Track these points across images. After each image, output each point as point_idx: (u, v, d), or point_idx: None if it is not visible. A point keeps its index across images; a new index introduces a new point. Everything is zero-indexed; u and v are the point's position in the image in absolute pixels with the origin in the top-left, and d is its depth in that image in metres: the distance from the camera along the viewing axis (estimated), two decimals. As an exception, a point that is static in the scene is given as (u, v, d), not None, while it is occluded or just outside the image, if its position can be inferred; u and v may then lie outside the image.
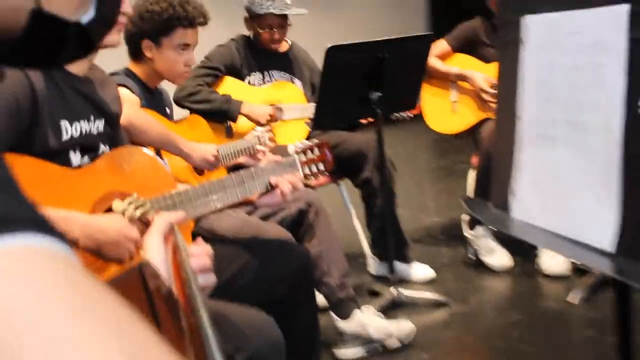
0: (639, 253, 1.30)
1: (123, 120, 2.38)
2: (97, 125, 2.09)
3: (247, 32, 4.19)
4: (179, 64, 3.03)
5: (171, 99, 3.47)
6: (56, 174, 1.90)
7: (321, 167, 2.53)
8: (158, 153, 2.82)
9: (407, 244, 4.16)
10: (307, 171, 2.48)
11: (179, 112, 3.59)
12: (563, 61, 1.51)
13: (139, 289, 1.17)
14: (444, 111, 4.59)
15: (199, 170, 3.11)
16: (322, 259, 3.28)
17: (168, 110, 3.19)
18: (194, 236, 2.52)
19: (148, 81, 3.08)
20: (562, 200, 1.49)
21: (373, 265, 4.20)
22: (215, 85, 3.97)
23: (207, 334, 0.87)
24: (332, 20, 9.53)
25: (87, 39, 0.76)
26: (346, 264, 3.39)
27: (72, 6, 0.72)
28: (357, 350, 3.30)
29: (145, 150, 2.18)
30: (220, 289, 2.29)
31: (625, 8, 1.34)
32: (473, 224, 4.20)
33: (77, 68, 2.04)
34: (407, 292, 3.69)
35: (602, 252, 1.36)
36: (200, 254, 1.48)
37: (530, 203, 1.60)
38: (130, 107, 2.66)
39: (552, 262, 3.92)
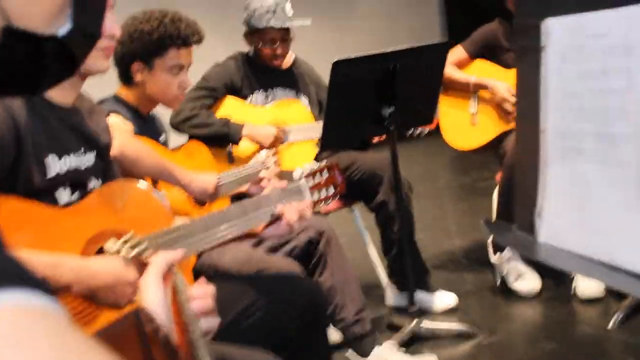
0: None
1: (114, 150, 2.37)
2: (87, 159, 2.09)
3: (246, 49, 4.20)
4: (172, 86, 3.02)
5: (166, 124, 3.46)
6: (43, 214, 1.89)
7: (331, 191, 2.52)
8: (155, 184, 2.82)
9: (427, 271, 4.15)
10: (316, 197, 2.47)
11: (176, 139, 3.60)
12: (589, 67, 1.50)
13: (135, 336, 1.17)
14: (463, 124, 4.58)
15: (200, 201, 3.10)
16: (335, 293, 3.27)
17: (163, 137, 3.19)
18: (195, 273, 2.52)
19: (140, 107, 3.07)
20: (593, 219, 1.48)
21: (391, 295, 4.18)
22: (215, 106, 3.97)
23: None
24: (338, 30, 9.55)
25: (69, 55, 0.76)
26: (362, 296, 3.38)
27: (45, 19, 0.71)
28: (379, 390, 3.28)
29: (138, 184, 2.18)
30: (225, 330, 2.28)
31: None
32: (498, 246, 4.18)
33: (63, 98, 2.04)
34: (429, 324, 3.67)
35: (637, 275, 1.34)
36: (202, 295, 1.47)
37: (558, 224, 1.59)
38: (122, 136, 2.65)
39: (588, 284, 3.88)
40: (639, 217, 1.36)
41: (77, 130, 2.08)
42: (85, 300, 1.84)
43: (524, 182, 1.71)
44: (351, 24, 9.87)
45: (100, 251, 1.94)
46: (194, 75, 3.18)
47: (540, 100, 1.60)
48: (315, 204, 2.45)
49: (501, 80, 4.41)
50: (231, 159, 3.87)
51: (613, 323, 3.56)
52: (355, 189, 3.88)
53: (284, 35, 4.07)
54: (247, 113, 3.98)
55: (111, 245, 1.87)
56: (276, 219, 2.34)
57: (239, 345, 2.14)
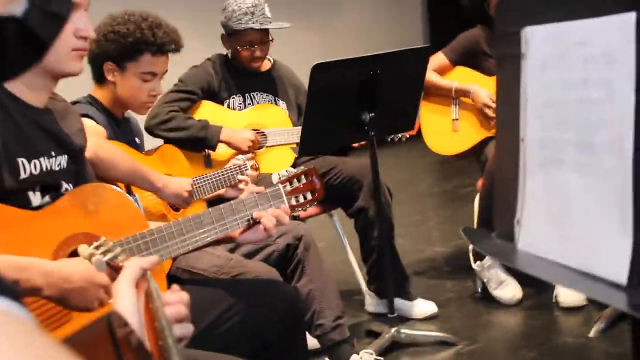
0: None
1: (88, 153, 2.36)
2: (59, 161, 2.08)
3: (224, 51, 4.19)
4: (142, 92, 3.01)
5: (142, 127, 3.45)
6: (13, 217, 1.88)
7: (309, 196, 2.52)
8: (128, 187, 2.81)
9: (407, 279, 4.15)
10: (293, 202, 2.47)
11: (152, 142, 3.58)
12: (570, 76, 1.50)
13: (107, 341, 1.17)
14: (444, 130, 4.59)
15: (174, 207, 3.10)
16: (313, 299, 3.27)
17: (138, 140, 3.17)
18: (170, 277, 2.52)
19: (113, 108, 3.06)
20: (573, 229, 1.49)
21: (370, 302, 4.18)
22: (192, 110, 3.96)
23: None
24: (319, 34, 9.56)
25: (34, 38, 0.75)
26: (340, 302, 3.38)
27: None
28: (356, 399, 3.28)
29: (113, 186, 2.17)
30: (200, 336, 2.28)
31: (633, 16, 1.34)
32: (480, 254, 4.20)
33: (35, 99, 2.03)
34: (408, 331, 3.67)
35: (617, 286, 1.35)
36: (175, 301, 1.47)
37: (537, 233, 1.59)
38: (96, 139, 2.65)
39: (569, 292, 3.90)
40: (618, 227, 1.37)
41: (49, 132, 2.07)
42: (56, 304, 1.84)
43: (503, 190, 1.72)
44: (333, 28, 9.89)
45: (72, 255, 1.93)
46: (170, 78, 3.17)
47: (520, 109, 1.61)
48: (292, 209, 2.45)
49: (483, 87, 4.43)
50: (208, 163, 3.87)
51: (594, 332, 3.58)
52: (334, 195, 3.88)
53: (263, 38, 4.06)
54: (224, 117, 3.98)
55: (83, 250, 1.86)
56: (253, 224, 2.34)
57: (215, 350, 2.14)
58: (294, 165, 3.56)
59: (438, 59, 4.57)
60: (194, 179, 3.08)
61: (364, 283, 4.24)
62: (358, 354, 3.34)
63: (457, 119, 4.55)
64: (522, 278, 4.10)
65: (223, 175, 3.21)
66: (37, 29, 0.75)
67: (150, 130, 3.78)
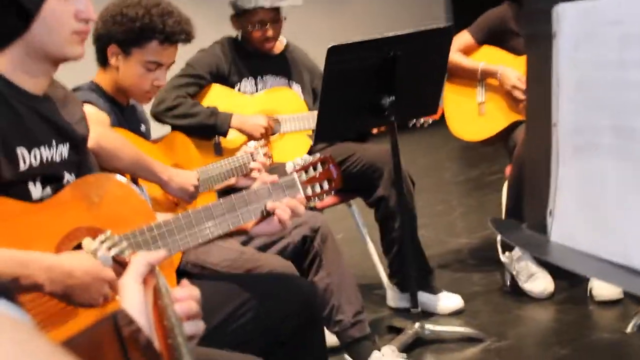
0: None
1: (91, 143, 2.36)
2: (61, 151, 2.07)
3: (234, 34, 4.18)
4: (145, 81, 2.99)
5: (148, 114, 3.45)
6: (13, 210, 1.88)
7: (326, 186, 2.51)
8: (134, 178, 2.81)
9: (431, 272, 4.14)
10: (309, 192, 2.45)
11: (159, 128, 3.58)
12: (604, 56, 1.49)
13: (113, 341, 1.16)
14: (469, 114, 4.57)
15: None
16: (331, 293, 3.26)
17: (144, 128, 3.17)
18: (180, 271, 2.52)
19: (117, 95, 3.05)
20: (609, 219, 1.47)
21: (392, 297, 4.18)
22: (201, 95, 3.95)
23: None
24: (334, 13, 9.52)
25: (18, 5, 0.75)
26: (360, 297, 3.37)
27: None
28: (377, 399, 3.28)
29: (117, 177, 2.17)
30: (212, 333, 2.28)
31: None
32: (508, 245, 4.18)
33: (34, 86, 2.02)
34: (432, 327, 3.66)
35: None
36: (185, 297, 1.47)
37: (571, 224, 1.58)
38: (99, 128, 2.64)
39: (604, 285, 3.87)
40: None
41: (49, 120, 2.06)
42: (60, 300, 1.84)
43: (534, 178, 1.70)
44: (350, 7, 9.83)
45: (76, 249, 1.93)
46: (177, 62, 3.15)
47: (552, 92, 1.59)
48: (308, 199, 2.44)
49: (511, 68, 4.40)
50: (219, 151, 3.86)
51: (632, 327, 3.55)
52: (353, 183, 3.87)
53: (275, 16, 4.04)
54: (235, 102, 3.97)
55: (88, 245, 1.86)
56: (267, 215, 2.33)
57: (228, 348, 2.14)
58: (309, 153, 3.54)
59: (463, 38, 4.54)
60: (203, 168, 3.07)
61: (385, 276, 4.23)
62: (379, 350, 3.33)
63: (483, 102, 4.53)
64: (554, 270, 4.07)
65: (234, 163, 3.20)
66: None
67: (157, 117, 3.77)
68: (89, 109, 2.72)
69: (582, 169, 1.54)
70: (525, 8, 1.79)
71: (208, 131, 3.79)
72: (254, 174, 3.22)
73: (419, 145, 8.06)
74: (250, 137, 3.79)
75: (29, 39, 1.95)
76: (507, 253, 4.17)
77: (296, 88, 4.17)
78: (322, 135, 3.53)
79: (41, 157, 1.99)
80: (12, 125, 1.93)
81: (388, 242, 4.05)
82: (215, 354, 2.07)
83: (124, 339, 1.15)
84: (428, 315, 3.92)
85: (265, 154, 3.29)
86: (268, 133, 3.87)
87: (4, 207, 1.87)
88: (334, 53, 3.28)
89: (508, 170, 4.27)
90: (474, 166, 7.54)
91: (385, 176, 3.92)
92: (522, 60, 4.36)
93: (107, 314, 1.20)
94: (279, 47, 4.23)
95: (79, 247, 1.93)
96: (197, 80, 3.93)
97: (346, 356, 3.35)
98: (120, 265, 1.85)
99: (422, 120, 4.10)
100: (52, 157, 2.03)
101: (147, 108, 3.39)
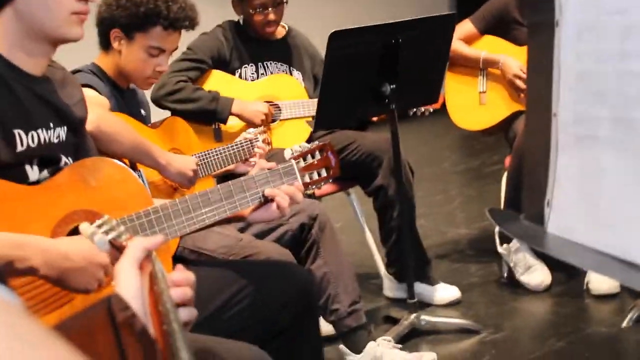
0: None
1: (90, 126, 2.36)
2: (58, 134, 2.07)
3: (236, 18, 4.17)
4: (147, 67, 3.00)
5: (148, 98, 3.44)
6: (10, 192, 1.88)
7: (324, 173, 2.51)
8: (132, 163, 2.80)
9: (429, 262, 4.15)
10: (307, 179, 2.45)
11: (158, 113, 3.58)
12: (607, 46, 1.48)
13: (107, 325, 1.17)
14: (471, 103, 4.57)
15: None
16: (328, 282, 3.27)
17: (143, 112, 3.17)
18: (177, 257, 2.52)
19: (118, 79, 3.05)
20: (607, 211, 1.47)
21: (389, 287, 4.18)
22: (201, 80, 3.95)
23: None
24: (338, 3, 9.49)
25: None
26: (357, 286, 3.38)
27: None
28: (372, 389, 3.28)
29: (115, 161, 2.16)
30: (208, 320, 2.29)
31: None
32: (506, 236, 4.18)
33: (32, 66, 2.01)
34: (429, 318, 3.67)
35: (655, 274, 1.34)
36: (182, 282, 1.47)
37: (569, 215, 1.58)
38: (98, 111, 2.64)
39: (602, 279, 3.87)
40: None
41: (47, 102, 2.06)
42: (54, 285, 1.84)
43: (533, 169, 1.70)
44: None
45: (72, 233, 1.93)
46: (179, 45, 3.14)
47: (553, 81, 1.59)
48: (306, 187, 2.44)
49: (512, 57, 4.39)
50: (218, 136, 3.86)
51: (628, 321, 3.56)
52: (352, 172, 3.88)
53: (276, -1, 4.03)
54: (236, 87, 3.96)
55: (85, 229, 1.86)
56: (264, 202, 2.33)
57: (223, 335, 2.14)
58: (309, 140, 3.54)
59: (465, 26, 4.53)
60: (201, 153, 3.07)
61: (383, 266, 4.23)
62: (375, 341, 3.34)
63: (484, 92, 4.52)
64: (552, 263, 4.08)
65: (233, 149, 3.20)
66: None
67: (157, 102, 3.77)
68: (89, 92, 2.72)
69: (581, 160, 1.54)
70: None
71: (209, 116, 3.79)
72: (253, 159, 3.22)
73: (419, 134, 8.06)
74: (250, 124, 3.79)
75: (28, 18, 1.95)
76: (505, 245, 4.17)
77: (297, 74, 4.17)
78: (322, 122, 3.53)
79: (39, 138, 1.99)
80: (10, 107, 1.92)
81: (386, 231, 4.05)
82: (210, 341, 2.06)
83: (118, 324, 1.16)
84: (424, 305, 3.93)
85: (264, 141, 3.30)
86: (268, 120, 3.87)
87: (0, 189, 1.87)
88: (336, 38, 3.27)
89: (507, 160, 4.27)
90: (474, 156, 7.53)
91: (384, 165, 3.92)
92: (524, 50, 4.35)
93: (102, 299, 1.20)
94: (280, 32, 4.22)
95: (75, 230, 1.93)
96: (199, 64, 3.92)
97: (341, 346, 3.35)
98: (117, 249, 1.85)
99: (422, 108, 4.10)
100: (49, 139, 2.03)
101: (147, 92, 3.38)
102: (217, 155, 3.14)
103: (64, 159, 2.08)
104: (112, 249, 1.82)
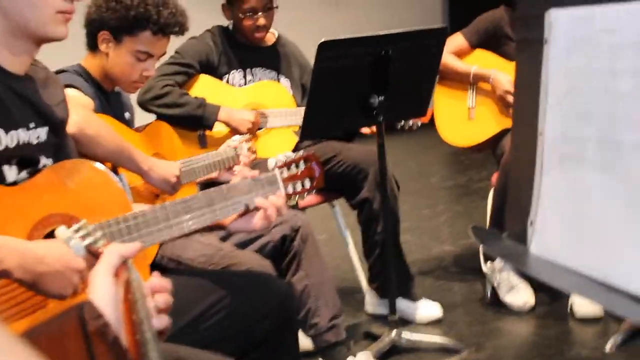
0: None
1: (72, 128, 2.35)
2: (38, 134, 2.06)
3: (225, 23, 4.17)
4: (134, 70, 3.00)
5: (133, 101, 3.43)
6: (-14, 192, 1.88)
7: (308, 184, 2.50)
8: (114, 167, 2.79)
9: (412, 278, 4.15)
10: (290, 190, 2.45)
11: (143, 117, 3.57)
12: (595, 65, 1.49)
13: (77, 333, 1.16)
14: (459, 118, 4.57)
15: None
16: (309, 295, 3.26)
17: (128, 115, 3.16)
18: (156, 266, 2.51)
19: (103, 81, 3.05)
20: (591, 234, 1.48)
21: (371, 302, 4.18)
22: (188, 85, 3.95)
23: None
24: (328, 9, 9.51)
25: None
26: (338, 301, 3.37)
27: None
28: (350, 406, 3.28)
29: (95, 164, 2.15)
30: (184, 330, 2.28)
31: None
32: (490, 255, 4.18)
33: (14, 65, 2.01)
34: (410, 335, 3.66)
35: (636, 298, 1.34)
36: (158, 288, 1.46)
37: (552, 236, 1.58)
38: (82, 112, 2.63)
39: (586, 302, 3.88)
40: (640, 233, 1.36)
41: (28, 101, 2.05)
42: (27, 289, 1.83)
43: (517, 188, 1.70)
44: (345, 3, 9.82)
45: (49, 237, 1.92)
46: (169, 49, 3.14)
47: (540, 99, 1.59)
48: (288, 197, 2.43)
49: (504, 72, 4.40)
50: (203, 143, 3.85)
51: (611, 346, 3.56)
52: (337, 183, 3.87)
53: (267, 4, 4.03)
54: (223, 93, 3.96)
55: (61, 233, 1.85)
56: (247, 211, 2.33)
57: (200, 346, 2.13)
58: (295, 150, 3.54)
59: (456, 40, 4.54)
60: (185, 160, 3.07)
61: (365, 281, 4.23)
62: (354, 356, 3.33)
63: (473, 107, 4.53)
64: (536, 283, 4.08)
65: (217, 157, 3.19)
66: None
67: (143, 105, 3.76)
68: (73, 93, 2.71)
69: (566, 181, 1.54)
70: (517, 13, 1.79)
71: (194, 122, 3.78)
72: (237, 167, 3.22)
73: (407, 148, 8.06)
74: (236, 132, 3.78)
75: (13, 15, 1.94)
76: (489, 263, 4.18)
77: (285, 82, 4.17)
78: (308, 131, 3.52)
79: (18, 139, 1.97)
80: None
81: (370, 245, 4.05)
82: (184, 352, 2.06)
83: (89, 333, 1.15)
84: (406, 322, 3.93)
85: (249, 149, 3.29)
86: (254, 128, 3.86)
87: (-24, 189, 1.86)
88: (325, 49, 3.26)
89: (494, 178, 4.27)
90: (462, 172, 7.55)
91: (370, 178, 3.92)
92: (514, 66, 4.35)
93: (73, 305, 1.19)
94: (270, 39, 4.22)
95: (52, 234, 1.92)
96: (186, 69, 3.92)
97: (320, 360, 3.35)
98: (93, 255, 1.84)
99: (410, 122, 4.10)
100: (29, 140, 2.02)
101: (132, 95, 3.37)
102: (201, 162, 3.13)
103: (43, 160, 2.07)
104: (88, 254, 1.82)
